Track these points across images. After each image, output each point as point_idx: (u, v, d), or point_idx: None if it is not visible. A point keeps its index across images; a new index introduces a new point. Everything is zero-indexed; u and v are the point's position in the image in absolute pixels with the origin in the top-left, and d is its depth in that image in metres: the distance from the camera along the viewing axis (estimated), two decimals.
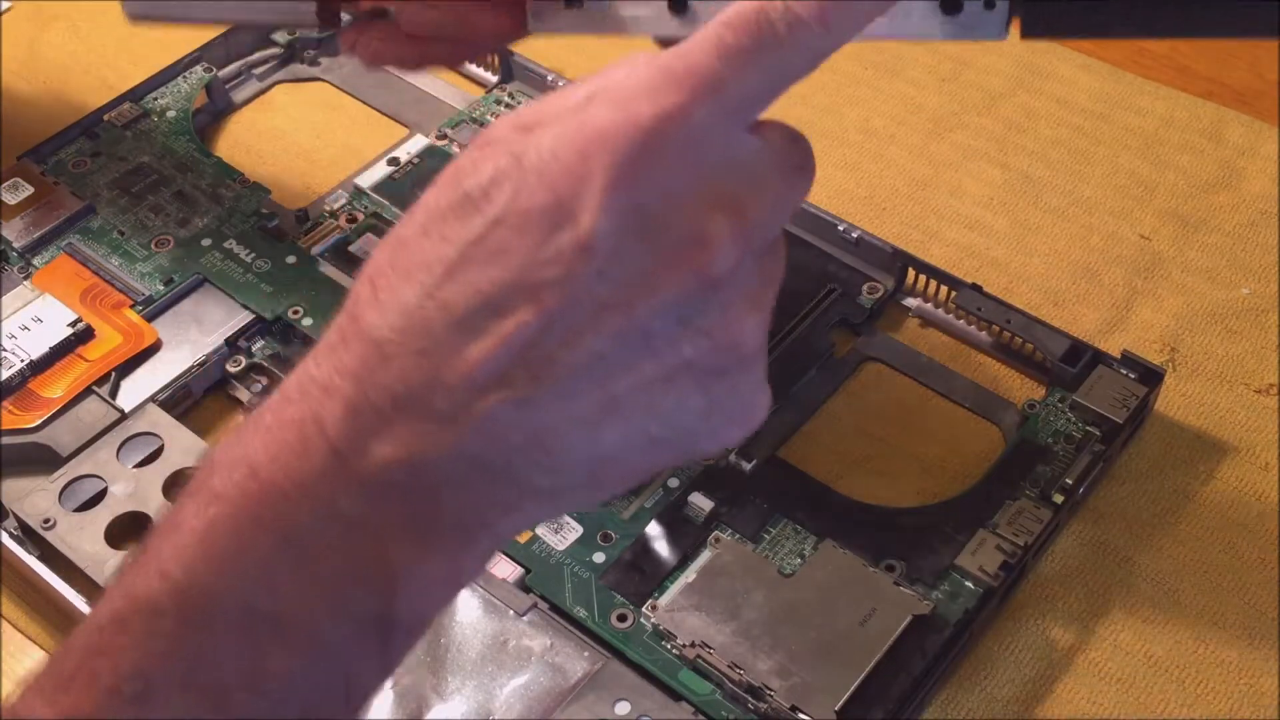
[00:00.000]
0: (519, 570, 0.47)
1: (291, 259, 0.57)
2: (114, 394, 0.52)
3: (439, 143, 0.62)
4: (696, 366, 0.31)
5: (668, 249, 0.30)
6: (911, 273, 0.56)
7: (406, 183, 0.60)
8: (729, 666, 0.44)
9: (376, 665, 0.32)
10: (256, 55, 0.67)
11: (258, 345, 0.55)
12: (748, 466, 0.51)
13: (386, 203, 0.59)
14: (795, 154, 0.32)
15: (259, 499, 0.31)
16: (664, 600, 0.46)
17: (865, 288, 0.56)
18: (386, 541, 0.31)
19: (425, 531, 0.31)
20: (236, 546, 0.30)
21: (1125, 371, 0.52)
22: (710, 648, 0.44)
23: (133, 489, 0.49)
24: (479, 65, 0.67)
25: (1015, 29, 0.37)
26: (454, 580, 0.33)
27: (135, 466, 0.50)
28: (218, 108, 0.66)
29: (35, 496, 0.49)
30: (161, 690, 0.30)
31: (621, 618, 0.46)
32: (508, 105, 0.64)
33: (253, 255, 0.57)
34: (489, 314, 0.30)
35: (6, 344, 0.53)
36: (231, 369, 0.54)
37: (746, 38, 0.30)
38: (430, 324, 0.30)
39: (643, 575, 0.47)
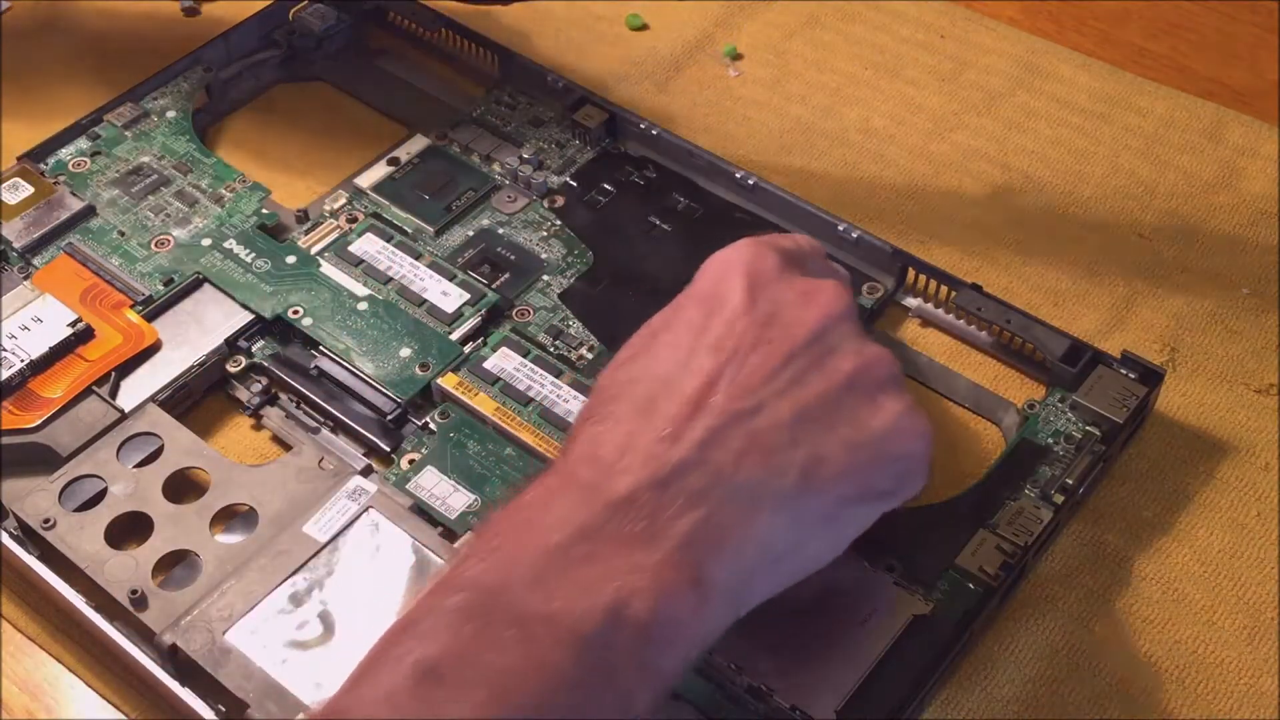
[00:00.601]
0: None
1: (291, 259, 0.57)
2: (114, 394, 0.52)
3: (439, 143, 0.62)
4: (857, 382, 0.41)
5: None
6: (911, 273, 0.56)
7: (406, 183, 0.60)
8: (729, 667, 0.44)
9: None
10: (256, 55, 0.66)
11: (258, 345, 0.55)
12: None
13: (386, 203, 0.60)
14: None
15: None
16: None
17: (865, 288, 0.56)
18: (634, 550, 0.37)
19: (669, 539, 0.38)
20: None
21: (1125, 371, 0.52)
22: (710, 648, 0.44)
23: (133, 489, 0.49)
24: (479, 65, 0.67)
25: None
26: (705, 594, 0.38)
27: (135, 466, 0.50)
28: (218, 108, 0.65)
29: (35, 496, 0.49)
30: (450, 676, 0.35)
31: None
32: (508, 105, 0.64)
33: (253, 255, 0.57)
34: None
35: (6, 344, 0.53)
36: (231, 369, 0.54)
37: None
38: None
39: None
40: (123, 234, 0.58)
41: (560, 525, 0.37)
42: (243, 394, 0.54)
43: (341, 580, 0.47)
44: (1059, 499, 0.49)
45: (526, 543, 0.37)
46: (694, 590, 0.37)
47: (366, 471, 0.50)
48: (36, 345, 0.53)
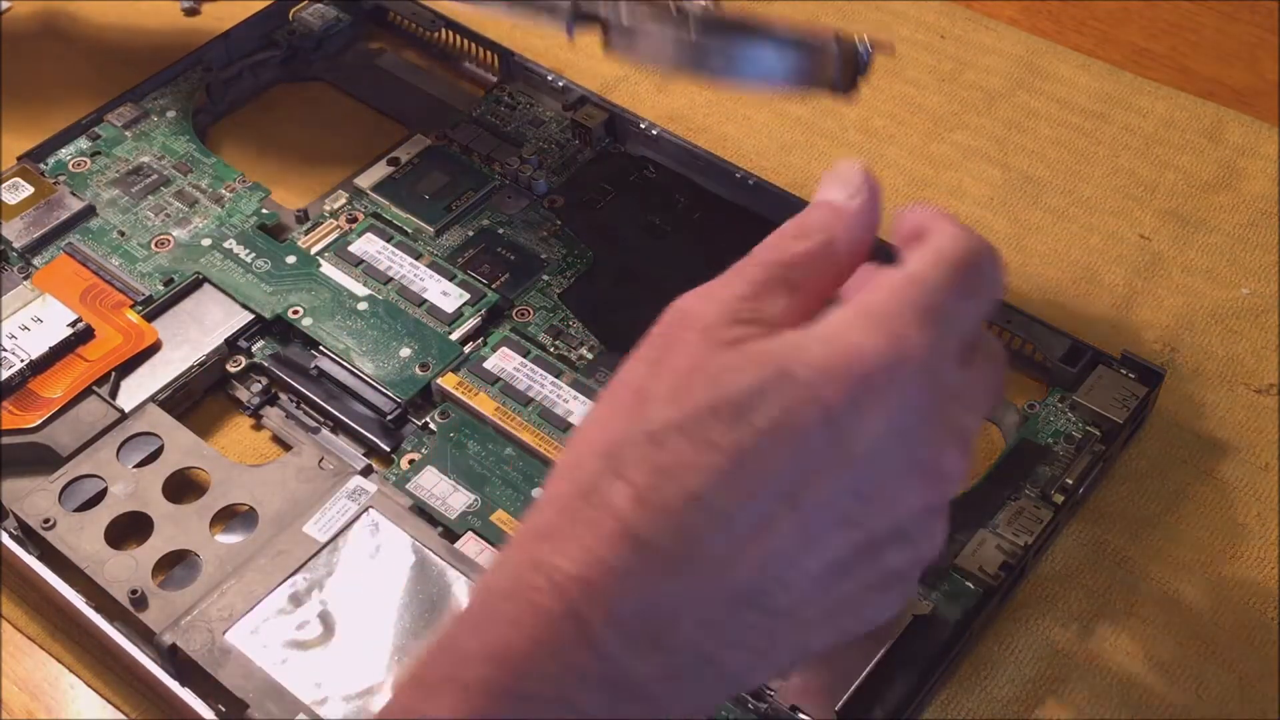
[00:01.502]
0: None
1: (291, 259, 0.57)
2: (114, 394, 0.52)
3: (439, 143, 0.62)
4: (901, 574, 0.35)
5: (912, 474, 0.33)
6: None
7: (405, 183, 0.60)
8: None
9: None
10: (256, 55, 0.66)
11: (258, 345, 0.55)
12: None
13: (386, 203, 0.60)
14: (998, 377, 0.36)
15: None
16: None
17: None
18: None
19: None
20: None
21: (1125, 371, 0.52)
22: None
23: (133, 489, 0.49)
24: (479, 65, 0.67)
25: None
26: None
27: (135, 467, 0.50)
28: (218, 108, 0.65)
29: (35, 497, 0.49)
30: None
31: None
32: (508, 105, 0.64)
33: (252, 255, 0.57)
34: (753, 520, 0.32)
35: (6, 344, 0.53)
36: (231, 369, 0.54)
37: (968, 277, 0.34)
38: (698, 531, 0.31)
39: None
40: (123, 234, 0.58)
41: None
42: (243, 394, 0.54)
43: (341, 580, 0.47)
44: (1059, 499, 0.49)
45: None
46: None
47: (366, 471, 0.50)
48: (36, 345, 0.53)
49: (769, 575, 0.32)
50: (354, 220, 0.59)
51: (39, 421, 0.51)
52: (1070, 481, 0.49)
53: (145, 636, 0.46)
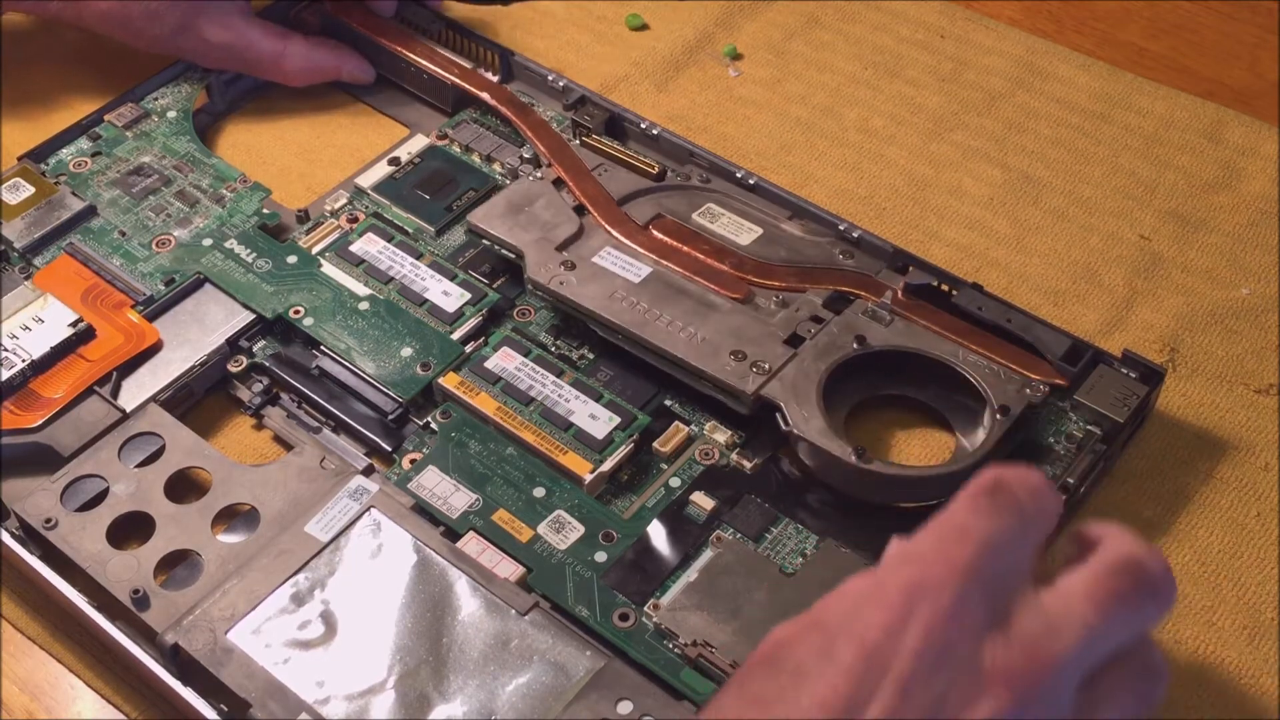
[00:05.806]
0: (521, 570, 0.47)
1: (292, 259, 0.57)
2: (115, 394, 0.52)
3: (439, 143, 0.62)
4: None
5: None
6: (912, 272, 0.56)
7: (406, 183, 0.60)
8: (731, 666, 0.44)
9: None
10: None
11: (258, 345, 0.55)
12: (749, 466, 0.51)
13: (387, 202, 0.60)
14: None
15: None
16: (666, 599, 0.46)
17: None
18: None
19: None
20: None
21: (1126, 371, 0.52)
22: (712, 647, 0.44)
23: (134, 489, 0.49)
24: (480, 65, 0.67)
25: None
26: None
27: (137, 466, 0.50)
28: (217, 108, 0.66)
29: (37, 497, 0.49)
30: None
31: (623, 617, 0.46)
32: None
33: (253, 255, 0.57)
34: None
35: (7, 344, 0.53)
36: (232, 369, 0.54)
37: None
38: None
39: (644, 574, 0.47)
40: (124, 234, 0.58)
41: None
42: (244, 394, 0.54)
43: (343, 580, 0.47)
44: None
45: None
46: None
47: (368, 471, 0.50)
48: (38, 345, 0.53)
49: None
50: (355, 220, 0.59)
51: (40, 421, 0.51)
52: (1071, 481, 0.49)
53: (147, 636, 0.46)
